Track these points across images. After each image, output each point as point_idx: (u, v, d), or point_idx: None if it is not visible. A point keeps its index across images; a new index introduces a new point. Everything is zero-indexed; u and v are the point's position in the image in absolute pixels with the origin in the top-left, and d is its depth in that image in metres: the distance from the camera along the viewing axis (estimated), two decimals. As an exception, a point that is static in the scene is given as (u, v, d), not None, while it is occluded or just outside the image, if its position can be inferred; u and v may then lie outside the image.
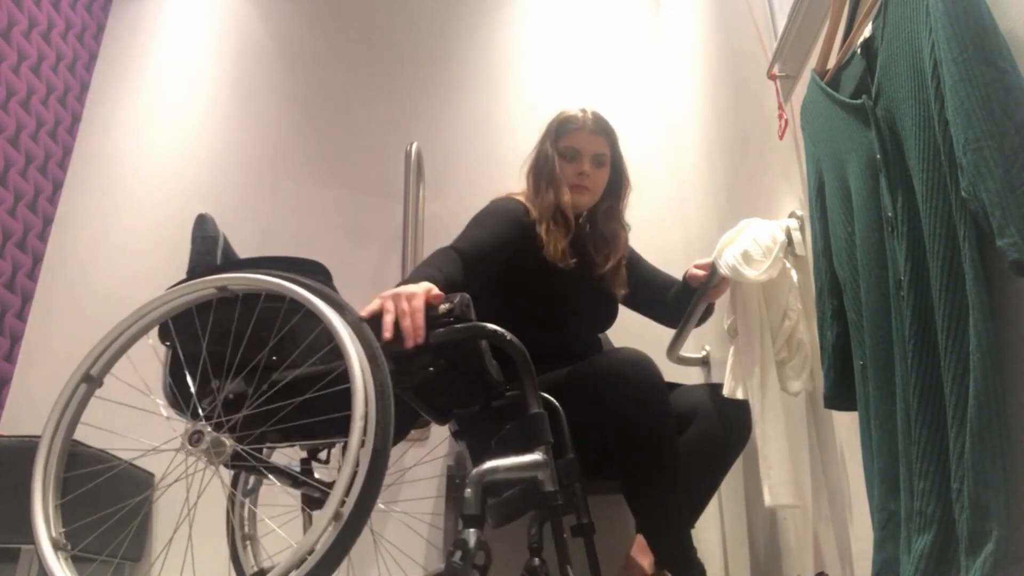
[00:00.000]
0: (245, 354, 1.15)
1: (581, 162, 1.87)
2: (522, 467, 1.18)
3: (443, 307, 1.27)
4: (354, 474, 0.97)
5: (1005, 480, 0.81)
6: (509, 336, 1.28)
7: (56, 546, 1.08)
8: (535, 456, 1.19)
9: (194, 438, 1.11)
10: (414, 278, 1.39)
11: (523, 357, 1.27)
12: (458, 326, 1.25)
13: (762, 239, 1.52)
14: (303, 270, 1.22)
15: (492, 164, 2.85)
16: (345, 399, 1.02)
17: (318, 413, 1.10)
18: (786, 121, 1.62)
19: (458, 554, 1.07)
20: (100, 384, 1.20)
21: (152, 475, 2.25)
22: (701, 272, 1.83)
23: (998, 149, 0.81)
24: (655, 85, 3.03)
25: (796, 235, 1.53)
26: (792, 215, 1.57)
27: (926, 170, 0.92)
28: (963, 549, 0.84)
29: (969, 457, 0.82)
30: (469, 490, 1.14)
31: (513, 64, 3.07)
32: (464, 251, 1.61)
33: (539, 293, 1.80)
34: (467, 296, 1.30)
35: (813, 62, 1.35)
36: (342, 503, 0.96)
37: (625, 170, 1.97)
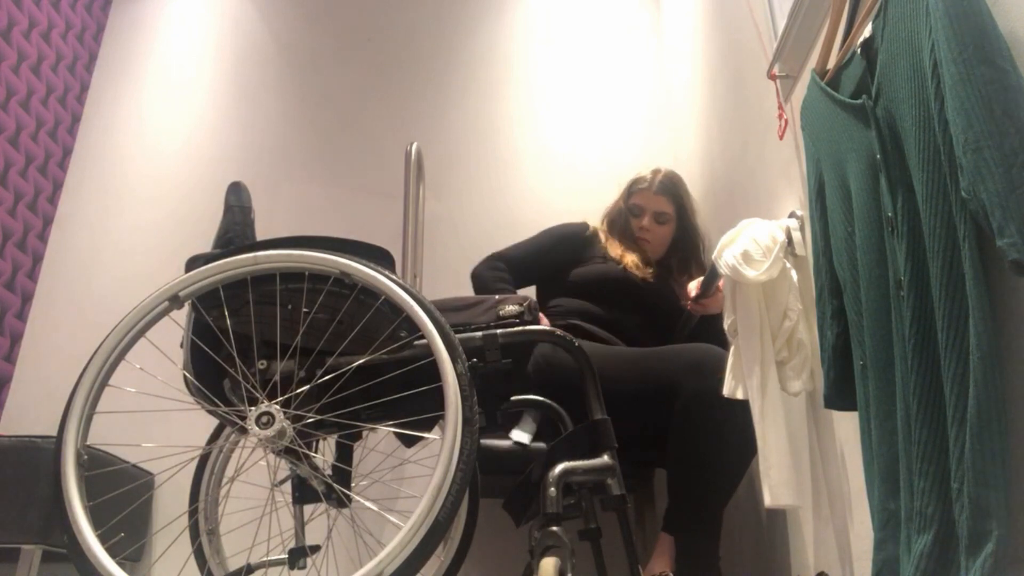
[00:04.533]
0: (291, 335, 1.14)
1: (643, 218, 2.17)
2: (595, 470, 1.20)
3: (512, 308, 1.30)
4: (448, 464, 0.99)
5: (1005, 480, 0.81)
6: (577, 342, 1.30)
7: (77, 460, 1.07)
8: (606, 460, 1.20)
9: (262, 420, 1.07)
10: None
11: (588, 363, 1.29)
12: (529, 328, 1.29)
13: (762, 239, 1.52)
14: (372, 256, 1.22)
15: (492, 164, 2.85)
16: (414, 383, 1.06)
17: (385, 401, 1.12)
18: (786, 121, 1.62)
19: (554, 550, 1.09)
20: (181, 306, 1.19)
21: (152, 475, 2.25)
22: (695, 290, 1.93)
23: (998, 149, 0.81)
24: (655, 85, 3.03)
25: (796, 235, 1.53)
26: (792, 215, 1.57)
27: (926, 170, 0.92)
28: (963, 549, 0.84)
29: (969, 457, 0.82)
30: (552, 489, 1.14)
31: (513, 64, 3.07)
32: (508, 258, 2.12)
33: (593, 276, 2.05)
34: (534, 300, 1.37)
35: (813, 62, 1.35)
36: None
37: (692, 226, 2.22)
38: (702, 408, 1.56)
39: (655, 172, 2.21)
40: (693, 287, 1.94)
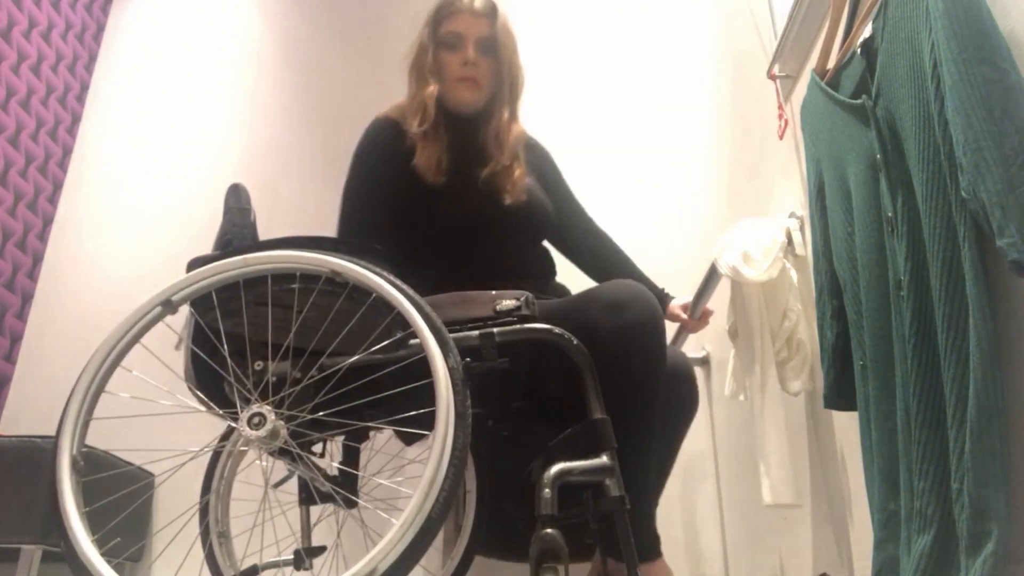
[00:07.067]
0: (283, 336, 1.13)
1: (465, 48, 1.59)
2: (593, 470, 1.17)
3: (509, 303, 1.27)
4: (439, 463, 0.98)
5: (1005, 480, 0.81)
6: (576, 341, 1.26)
7: (73, 466, 1.06)
8: (604, 460, 1.17)
9: (254, 421, 1.06)
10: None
11: (587, 361, 1.26)
12: (528, 327, 1.25)
13: (762, 239, 1.52)
14: (364, 254, 1.21)
15: (492, 164, 2.84)
16: (412, 381, 1.04)
17: (384, 400, 1.11)
18: (786, 121, 1.62)
19: (549, 554, 1.08)
20: (175, 311, 1.17)
21: (152, 475, 2.25)
22: (684, 315, 1.74)
23: (998, 149, 0.81)
24: (655, 85, 3.03)
25: (796, 235, 1.53)
26: (792, 215, 1.57)
27: (926, 170, 0.92)
28: (963, 549, 0.84)
29: (969, 457, 0.82)
30: (547, 491, 1.13)
31: (513, 64, 3.07)
32: (364, 232, 1.66)
33: (435, 216, 1.58)
34: (531, 295, 1.30)
35: (813, 62, 1.35)
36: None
37: (514, 59, 1.65)
38: (619, 344, 1.31)
39: None
40: (681, 312, 1.76)
